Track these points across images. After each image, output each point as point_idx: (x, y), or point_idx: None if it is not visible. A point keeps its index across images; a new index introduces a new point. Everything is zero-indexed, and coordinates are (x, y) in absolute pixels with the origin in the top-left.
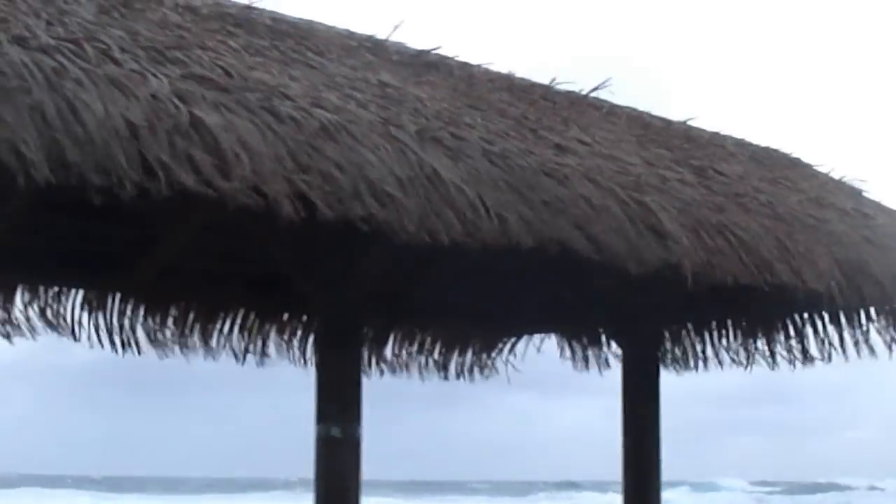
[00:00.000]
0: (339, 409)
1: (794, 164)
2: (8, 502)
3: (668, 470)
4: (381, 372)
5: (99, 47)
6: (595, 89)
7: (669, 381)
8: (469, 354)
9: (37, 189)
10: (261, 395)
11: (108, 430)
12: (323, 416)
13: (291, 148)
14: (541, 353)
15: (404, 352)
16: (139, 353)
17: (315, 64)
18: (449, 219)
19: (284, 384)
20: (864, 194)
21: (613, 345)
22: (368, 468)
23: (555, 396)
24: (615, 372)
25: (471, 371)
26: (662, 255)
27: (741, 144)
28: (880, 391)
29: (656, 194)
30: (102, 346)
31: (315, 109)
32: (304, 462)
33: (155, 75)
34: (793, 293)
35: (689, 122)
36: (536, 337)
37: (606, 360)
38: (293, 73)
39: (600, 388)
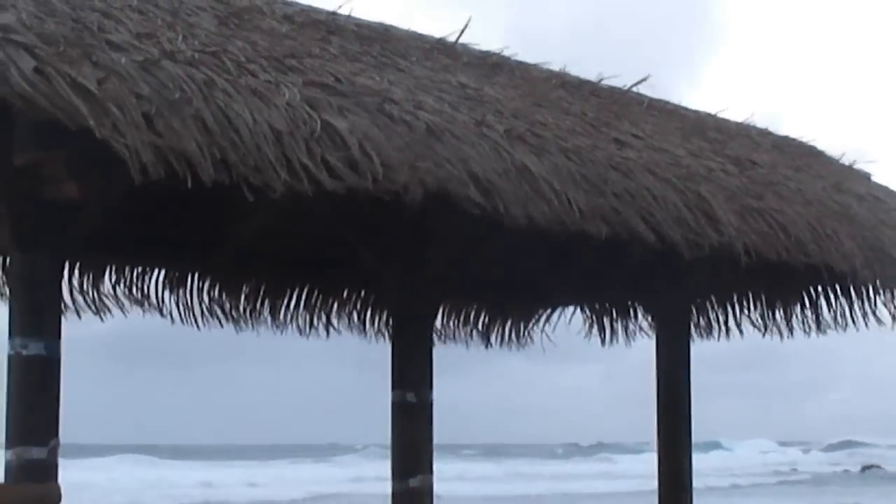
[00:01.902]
0: (413, 376)
1: (811, 152)
2: (107, 469)
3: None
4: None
5: (234, 59)
6: (636, 84)
7: None
8: (508, 325)
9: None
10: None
11: (152, 402)
12: (398, 383)
13: (409, 146)
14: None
15: (451, 323)
16: (218, 326)
17: (403, 67)
18: (541, 207)
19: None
20: (873, 179)
21: (639, 318)
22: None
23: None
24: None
25: (509, 340)
26: (717, 239)
27: (764, 134)
28: (856, 357)
29: (706, 184)
30: (183, 321)
31: (419, 112)
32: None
33: (285, 84)
34: (821, 270)
35: (718, 114)
36: (569, 310)
37: (634, 332)
38: (389, 77)
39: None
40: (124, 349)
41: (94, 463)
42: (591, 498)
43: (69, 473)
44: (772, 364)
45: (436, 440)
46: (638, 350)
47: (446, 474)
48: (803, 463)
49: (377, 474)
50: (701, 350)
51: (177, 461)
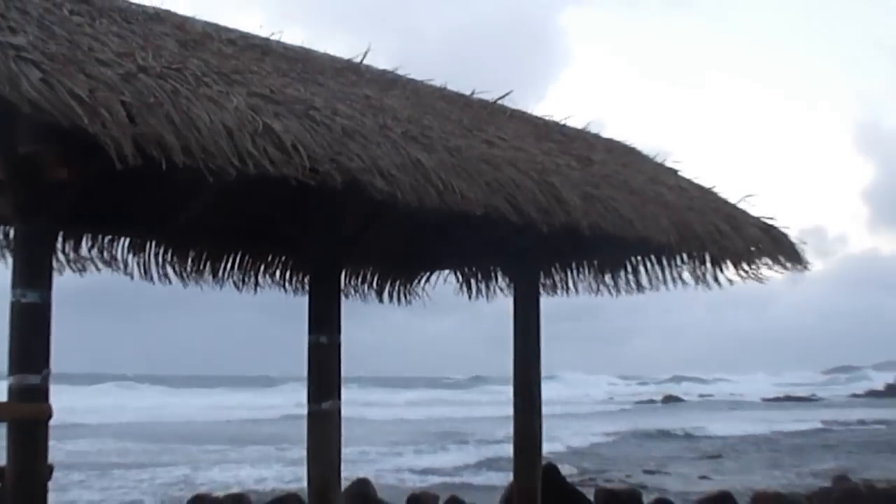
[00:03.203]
0: (325, 323)
1: (633, 152)
2: (96, 395)
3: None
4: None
5: (193, 73)
6: (500, 97)
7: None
8: (397, 284)
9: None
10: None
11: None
12: (313, 328)
13: (329, 143)
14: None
15: (354, 282)
16: (168, 283)
17: (321, 82)
18: (430, 192)
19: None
20: (680, 173)
21: (499, 279)
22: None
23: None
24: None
25: (398, 297)
26: (565, 218)
27: (597, 137)
28: (658, 310)
29: (555, 176)
30: (142, 278)
31: (335, 117)
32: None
33: (233, 94)
34: (642, 244)
35: (563, 122)
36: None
37: (493, 291)
38: (311, 90)
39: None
40: (93, 299)
41: (83, 390)
42: (488, 420)
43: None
44: (598, 314)
45: (344, 373)
46: (497, 304)
47: (358, 401)
48: (624, 395)
49: (298, 401)
50: (547, 304)
51: (144, 385)
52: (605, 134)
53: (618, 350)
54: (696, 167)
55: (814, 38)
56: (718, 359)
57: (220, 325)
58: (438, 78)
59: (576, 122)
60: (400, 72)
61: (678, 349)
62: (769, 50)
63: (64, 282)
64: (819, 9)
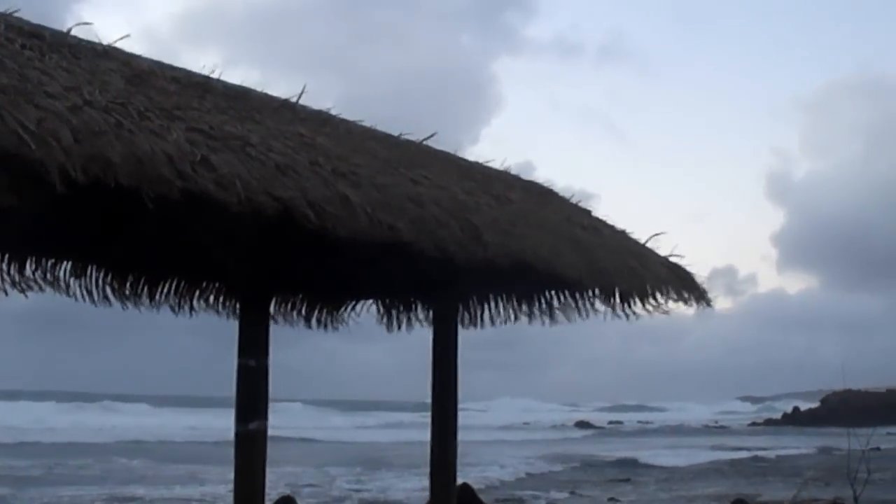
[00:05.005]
0: (254, 347)
1: (549, 193)
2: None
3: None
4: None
5: (136, 108)
6: (426, 139)
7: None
8: (325, 312)
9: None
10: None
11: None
12: (242, 351)
13: (263, 177)
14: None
15: (283, 308)
16: (108, 305)
17: (258, 119)
18: (357, 225)
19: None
20: (594, 213)
21: (420, 310)
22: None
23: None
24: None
25: (326, 324)
26: (482, 253)
27: (516, 178)
28: (573, 340)
29: (475, 214)
30: (84, 300)
31: (270, 153)
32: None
33: (173, 129)
34: (555, 278)
35: (485, 163)
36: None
37: (412, 322)
38: (248, 127)
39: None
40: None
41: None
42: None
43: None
44: (527, 344)
45: (274, 394)
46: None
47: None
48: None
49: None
50: (468, 335)
51: (86, 403)
52: (534, 176)
53: (532, 378)
54: (618, 210)
55: (736, 92)
56: (628, 388)
57: (167, 345)
58: (380, 119)
59: (499, 164)
60: (333, 112)
61: (592, 378)
62: (695, 101)
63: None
64: (742, 64)
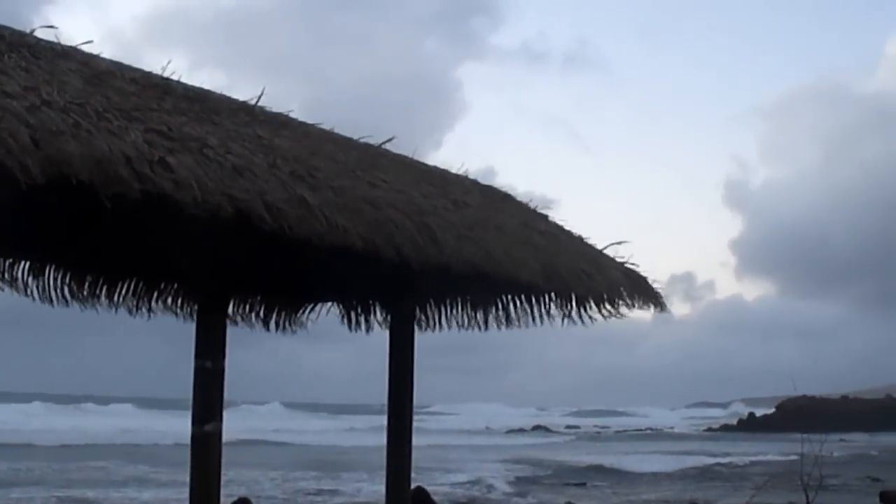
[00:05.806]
0: (210, 349)
1: (507, 197)
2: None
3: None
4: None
5: (94, 109)
6: (384, 142)
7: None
8: (284, 314)
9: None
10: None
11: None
12: (199, 353)
13: (221, 179)
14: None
15: (241, 310)
16: (66, 305)
17: (216, 121)
18: (314, 228)
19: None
20: (550, 218)
21: (378, 313)
22: None
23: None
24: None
25: (284, 326)
26: (439, 257)
27: (474, 183)
28: (544, 345)
29: (432, 217)
30: (41, 300)
31: (228, 155)
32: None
33: (132, 130)
34: (512, 283)
35: (443, 168)
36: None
37: (371, 325)
38: (207, 128)
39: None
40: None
41: None
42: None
43: None
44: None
45: (229, 396)
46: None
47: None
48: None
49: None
50: (427, 339)
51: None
52: (495, 181)
53: (504, 382)
54: (579, 216)
55: (696, 100)
56: (596, 392)
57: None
58: (345, 123)
59: (460, 169)
60: (293, 115)
61: (561, 383)
62: (656, 109)
63: None
64: (703, 73)
